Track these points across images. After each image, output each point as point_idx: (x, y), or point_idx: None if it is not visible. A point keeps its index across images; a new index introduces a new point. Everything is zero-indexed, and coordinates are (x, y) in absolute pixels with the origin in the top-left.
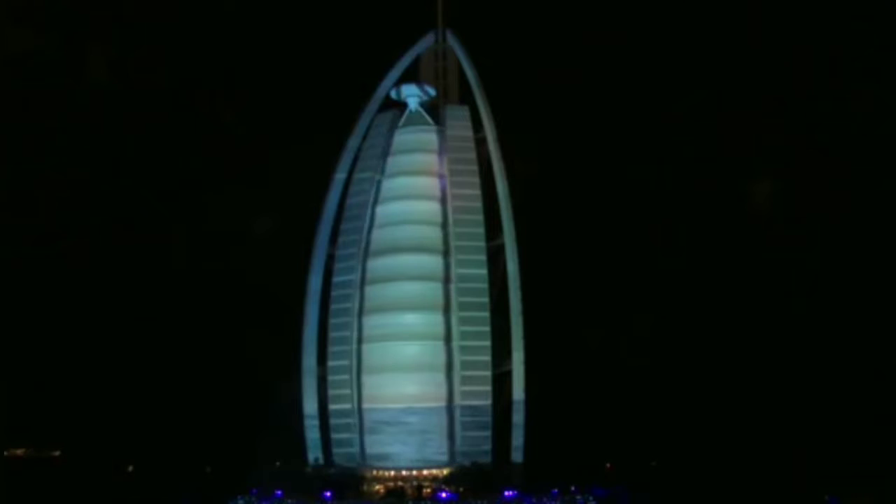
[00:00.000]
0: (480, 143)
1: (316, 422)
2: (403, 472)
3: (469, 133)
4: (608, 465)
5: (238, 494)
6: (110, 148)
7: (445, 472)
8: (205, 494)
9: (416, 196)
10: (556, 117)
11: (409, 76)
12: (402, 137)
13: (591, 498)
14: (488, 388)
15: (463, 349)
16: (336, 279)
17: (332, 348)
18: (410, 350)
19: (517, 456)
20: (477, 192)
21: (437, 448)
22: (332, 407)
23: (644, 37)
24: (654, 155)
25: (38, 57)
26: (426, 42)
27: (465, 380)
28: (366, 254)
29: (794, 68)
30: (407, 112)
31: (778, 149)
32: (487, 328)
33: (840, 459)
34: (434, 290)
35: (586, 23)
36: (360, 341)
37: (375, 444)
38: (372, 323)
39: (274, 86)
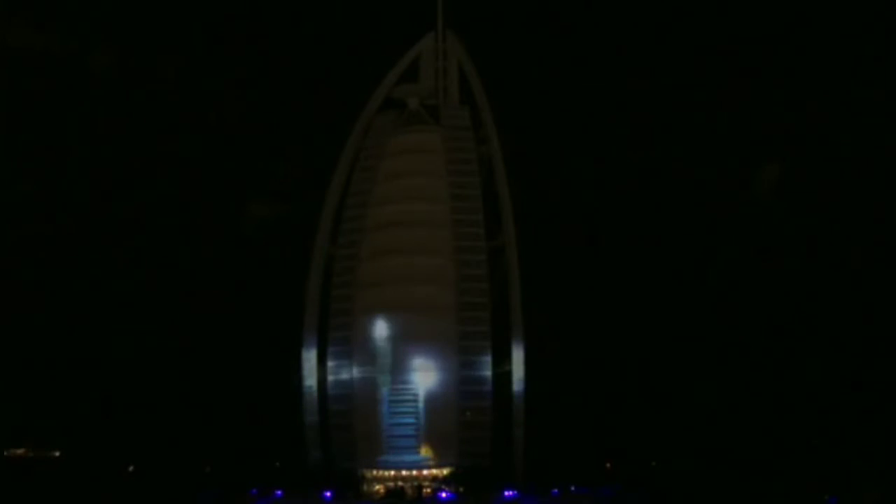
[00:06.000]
0: (481, 142)
1: (316, 422)
2: (403, 472)
3: (469, 133)
4: (608, 464)
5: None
6: (109, 146)
7: (445, 472)
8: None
9: (416, 197)
10: (556, 117)
11: (409, 76)
12: (401, 138)
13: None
14: (488, 387)
15: (463, 349)
16: (336, 279)
17: (332, 348)
18: (410, 350)
19: (517, 456)
20: (477, 192)
21: (437, 448)
22: (333, 407)
23: (644, 35)
24: (654, 152)
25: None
26: (426, 42)
27: (465, 379)
28: (366, 254)
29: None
30: (407, 112)
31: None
32: (487, 328)
33: (840, 460)
34: (434, 290)
35: (586, 22)
36: (360, 341)
37: (375, 445)
38: (372, 323)
39: (274, 86)
